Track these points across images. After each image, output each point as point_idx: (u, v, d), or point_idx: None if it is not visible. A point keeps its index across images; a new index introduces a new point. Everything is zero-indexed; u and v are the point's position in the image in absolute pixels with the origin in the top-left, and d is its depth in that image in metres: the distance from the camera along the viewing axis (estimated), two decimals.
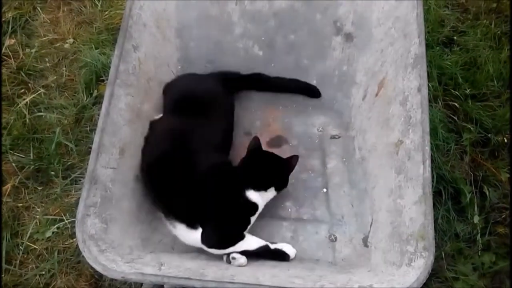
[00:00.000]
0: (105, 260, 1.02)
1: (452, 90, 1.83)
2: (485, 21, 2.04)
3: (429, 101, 1.66)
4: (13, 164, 1.68)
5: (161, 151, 1.27)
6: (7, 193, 1.64)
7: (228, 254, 1.18)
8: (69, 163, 1.70)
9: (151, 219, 1.30)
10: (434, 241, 1.02)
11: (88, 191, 1.09)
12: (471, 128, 1.74)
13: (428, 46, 1.92)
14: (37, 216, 1.60)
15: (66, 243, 1.56)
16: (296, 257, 1.24)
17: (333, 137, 1.48)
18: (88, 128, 1.78)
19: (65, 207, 1.62)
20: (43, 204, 1.63)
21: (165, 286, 1.29)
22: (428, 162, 1.08)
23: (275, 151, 1.36)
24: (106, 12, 2.10)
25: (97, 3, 2.14)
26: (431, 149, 1.52)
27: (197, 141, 1.26)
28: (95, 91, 1.86)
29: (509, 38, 1.97)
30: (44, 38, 2.05)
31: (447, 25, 2.03)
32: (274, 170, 1.27)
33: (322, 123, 1.52)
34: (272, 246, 1.22)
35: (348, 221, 1.31)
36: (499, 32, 2.00)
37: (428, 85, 1.42)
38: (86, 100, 1.84)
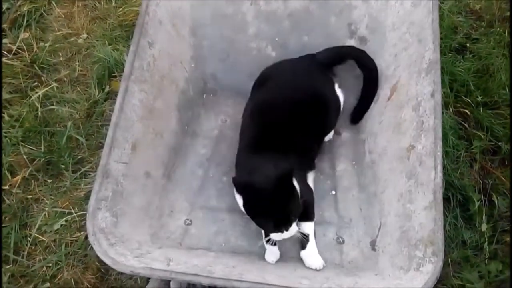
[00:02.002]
0: (115, 253, 1.04)
1: (464, 97, 1.82)
2: (498, 29, 2.02)
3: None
4: (24, 156, 1.70)
5: None
6: (17, 184, 1.66)
7: None
8: (79, 157, 1.72)
9: (160, 215, 1.31)
10: (443, 247, 1.02)
11: (100, 184, 1.10)
12: (482, 136, 1.73)
13: (441, 52, 1.90)
14: (46, 209, 1.62)
15: (74, 236, 1.57)
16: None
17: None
18: (99, 123, 1.79)
19: (73, 201, 1.63)
20: (52, 197, 1.65)
21: (171, 282, 1.30)
22: (439, 167, 1.08)
23: None
24: (120, 9, 2.12)
25: None
26: None
27: None
28: (107, 86, 1.87)
29: (509, 42, 1.96)
30: (58, 33, 2.07)
31: (460, 32, 2.02)
32: None
33: None
34: None
35: (356, 224, 1.31)
36: None
37: None
38: (98, 95, 1.85)
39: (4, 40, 2.01)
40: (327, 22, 1.46)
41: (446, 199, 1.58)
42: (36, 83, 1.92)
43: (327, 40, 1.48)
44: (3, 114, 1.79)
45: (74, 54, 2.02)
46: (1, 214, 1.58)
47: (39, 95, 1.85)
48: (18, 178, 1.67)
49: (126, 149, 1.19)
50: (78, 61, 1.98)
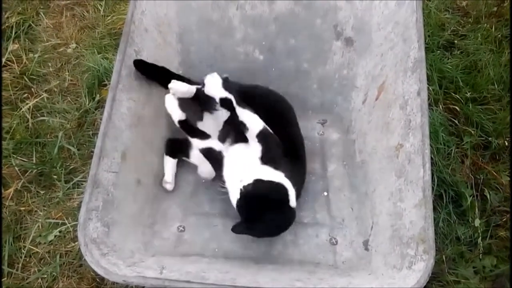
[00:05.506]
0: (107, 263, 1.03)
1: (453, 94, 1.83)
2: (485, 24, 2.04)
3: (430, 104, 1.68)
4: (16, 168, 1.70)
5: None
6: (9, 197, 1.65)
7: None
8: (71, 167, 1.71)
9: (152, 222, 1.30)
10: (435, 244, 1.02)
11: (90, 195, 1.10)
12: (472, 132, 1.74)
13: (429, 49, 1.93)
14: (40, 220, 1.61)
15: (68, 246, 1.56)
16: (296, 260, 1.25)
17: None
18: (91, 132, 1.79)
19: (67, 211, 1.63)
20: (45, 208, 1.64)
21: None
22: (428, 165, 1.09)
23: None
24: (109, 17, 2.12)
25: (99, 8, 2.16)
26: (432, 152, 1.53)
27: None
28: (98, 95, 1.87)
29: (509, 42, 1.97)
30: (47, 43, 2.07)
31: (447, 28, 2.04)
32: None
33: (322, 126, 1.52)
34: None
35: (348, 224, 1.32)
36: (499, 35, 2.01)
37: (429, 88, 1.41)
38: (88, 105, 1.85)
39: None
40: (312, 24, 1.46)
41: (438, 196, 1.59)
42: (26, 95, 1.91)
43: (313, 43, 1.48)
44: None
45: (63, 64, 2.01)
46: (1, 224, 1.58)
47: (30, 107, 1.84)
48: (11, 190, 1.67)
49: (116, 158, 1.19)
50: (68, 71, 1.98)
